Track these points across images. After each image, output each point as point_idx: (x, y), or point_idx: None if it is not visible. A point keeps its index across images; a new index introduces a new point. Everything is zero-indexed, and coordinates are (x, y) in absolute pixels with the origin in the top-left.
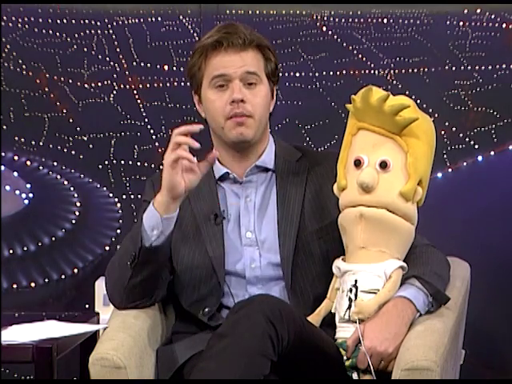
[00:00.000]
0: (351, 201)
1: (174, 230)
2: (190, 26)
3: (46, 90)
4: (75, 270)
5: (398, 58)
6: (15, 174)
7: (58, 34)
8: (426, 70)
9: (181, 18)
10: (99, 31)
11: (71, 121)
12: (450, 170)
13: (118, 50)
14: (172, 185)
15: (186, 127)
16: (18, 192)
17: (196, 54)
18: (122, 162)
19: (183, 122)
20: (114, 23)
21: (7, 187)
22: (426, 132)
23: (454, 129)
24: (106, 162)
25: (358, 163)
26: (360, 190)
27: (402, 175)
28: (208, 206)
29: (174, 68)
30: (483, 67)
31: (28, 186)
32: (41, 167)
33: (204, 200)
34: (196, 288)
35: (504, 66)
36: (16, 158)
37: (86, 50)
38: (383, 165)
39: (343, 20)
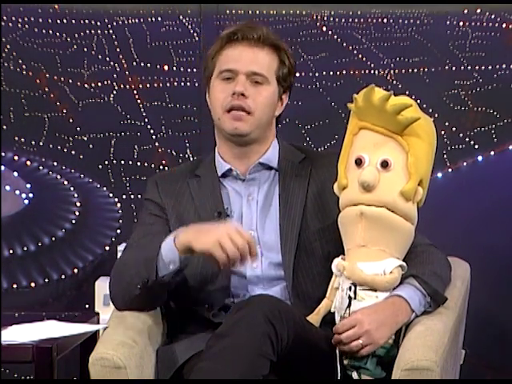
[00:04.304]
0: (352, 199)
1: (178, 228)
2: (190, 26)
3: (46, 89)
4: (75, 270)
5: (397, 58)
6: (15, 174)
7: (58, 34)
8: (425, 69)
9: (181, 17)
10: (99, 31)
11: (71, 121)
12: (450, 169)
13: (118, 49)
14: (206, 253)
15: (250, 243)
16: (18, 192)
17: (213, 45)
18: (122, 162)
19: (183, 122)
20: (114, 23)
21: (7, 187)
22: (427, 132)
23: (453, 129)
24: (106, 162)
25: (359, 162)
26: (361, 188)
27: (403, 175)
28: (212, 203)
29: (174, 68)
30: (483, 67)
31: (28, 185)
32: (41, 167)
33: (207, 198)
34: (201, 287)
35: (504, 66)
36: (16, 157)
37: (85, 50)
38: (384, 164)
39: (343, 20)
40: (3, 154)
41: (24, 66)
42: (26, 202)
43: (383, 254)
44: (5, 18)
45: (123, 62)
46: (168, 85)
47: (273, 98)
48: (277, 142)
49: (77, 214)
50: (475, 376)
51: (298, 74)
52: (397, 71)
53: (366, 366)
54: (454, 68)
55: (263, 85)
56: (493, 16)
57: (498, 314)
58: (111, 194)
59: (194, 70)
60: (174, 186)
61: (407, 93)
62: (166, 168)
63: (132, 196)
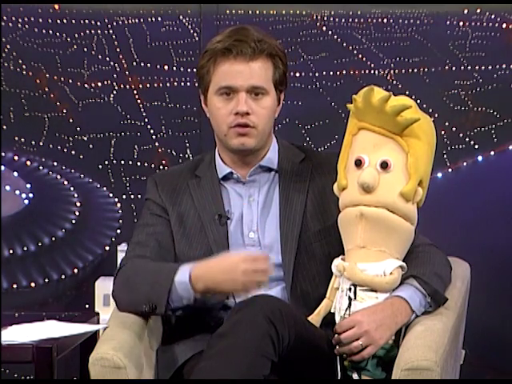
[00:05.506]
0: (351, 200)
1: (178, 229)
2: (190, 26)
3: (46, 89)
4: (75, 270)
5: (398, 58)
6: (15, 173)
7: (58, 34)
8: (425, 69)
9: (181, 17)
10: (99, 31)
11: (71, 121)
12: (450, 169)
13: (118, 50)
14: (234, 292)
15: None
16: (18, 192)
17: (206, 57)
18: (122, 162)
19: (183, 122)
20: (114, 23)
21: (7, 187)
22: (427, 132)
23: (454, 129)
24: (106, 162)
25: (358, 163)
26: (360, 189)
27: (403, 175)
28: (212, 206)
29: (174, 68)
30: (483, 67)
31: (28, 185)
32: (41, 167)
33: (208, 200)
34: None
35: (504, 66)
36: (16, 158)
37: (86, 50)
38: (384, 165)
39: (343, 20)
40: (3, 154)
41: (24, 66)
42: (26, 201)
43: (383, 254)
44: (5, 18)
45: (123, 62)
46: (168, 85)
47: (273, 107)
48: (276, 142)
49: (77, 213)
50: (475, 376)
51: (298, 74)
52: (397, 71)
53: (366, 367)
54: (454, 68)
55: (264, 96)
56: (493, 16)
57: (498, 314)
58: (111, 194)
59: (194, 70)
60: (173, 186)
61: (407, 93)
62: (166, 168)
63: (132, 196)
